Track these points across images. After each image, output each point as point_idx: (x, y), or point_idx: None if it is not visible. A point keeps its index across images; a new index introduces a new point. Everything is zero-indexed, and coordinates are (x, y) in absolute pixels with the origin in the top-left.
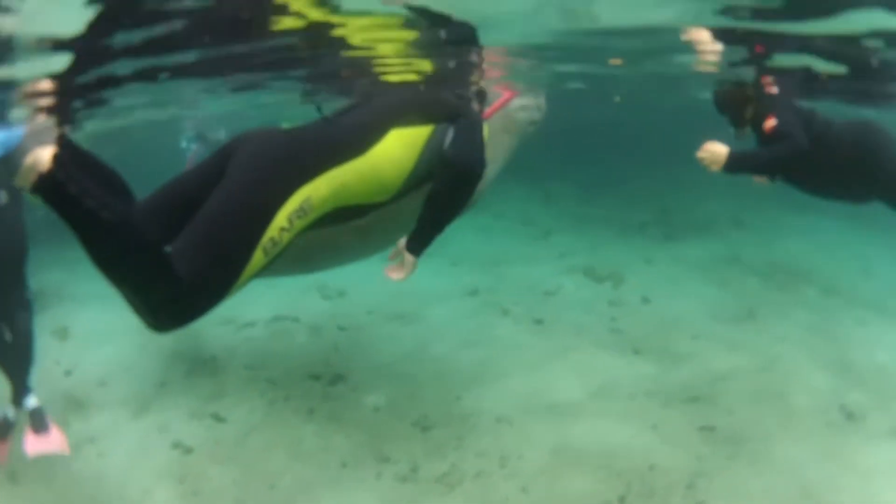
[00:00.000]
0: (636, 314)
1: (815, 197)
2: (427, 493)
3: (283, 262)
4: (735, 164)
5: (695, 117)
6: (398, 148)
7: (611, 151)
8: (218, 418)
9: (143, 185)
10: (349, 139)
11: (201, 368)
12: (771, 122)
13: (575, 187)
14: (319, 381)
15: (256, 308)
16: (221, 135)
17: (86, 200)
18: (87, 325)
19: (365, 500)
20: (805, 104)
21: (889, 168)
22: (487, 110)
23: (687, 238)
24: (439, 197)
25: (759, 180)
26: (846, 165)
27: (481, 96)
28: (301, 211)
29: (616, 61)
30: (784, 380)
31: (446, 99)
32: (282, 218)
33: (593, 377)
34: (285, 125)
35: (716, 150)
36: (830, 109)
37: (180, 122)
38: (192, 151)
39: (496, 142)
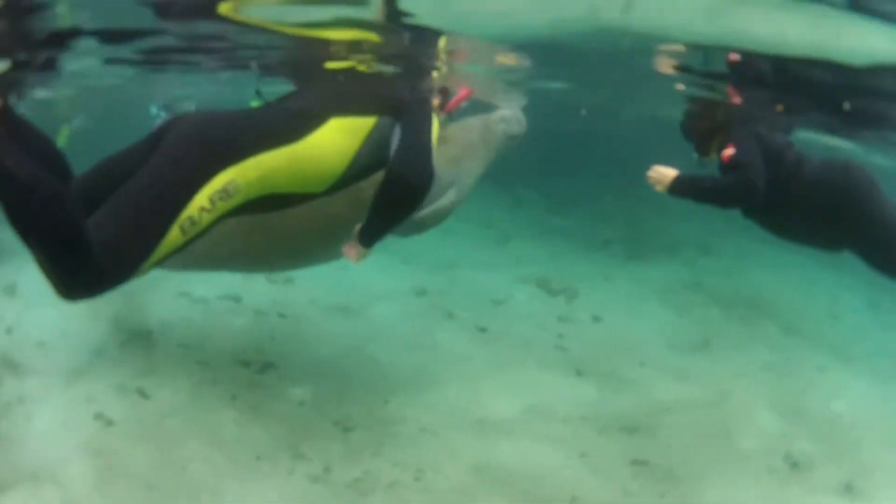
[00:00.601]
0: (585, 333)
1: (780, 239)
2: (336, 497)
3: (240, 259)
4: (679, 187)
5: (673, 136)
6: (337, 137)
7: (586, 164)
8: (143, 394)
9: (111, 148)
10: (285, 124)
11: (137, 341)
12: (729, 151)
13: (544, 196)
14: (249, 368)
15: (206, 286)
16: (191, 107)
17: (19, 175)
18: (34, 284)
19: (272, 497)
20: (783, 136)
21: (868, 217)
22: (449, 103)
23: (650, 259)
24: (383, 205)
25: None
26: (817, 209)
27: (444, 93)
28: (224, 192)
29: None
30: (731, 418)
31: (395, 90)
32: (203, 197)
33: (530, 395)
34: (254, 104)
35: (664, 171)
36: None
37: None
38: (159, 119)
39: (474, 153)
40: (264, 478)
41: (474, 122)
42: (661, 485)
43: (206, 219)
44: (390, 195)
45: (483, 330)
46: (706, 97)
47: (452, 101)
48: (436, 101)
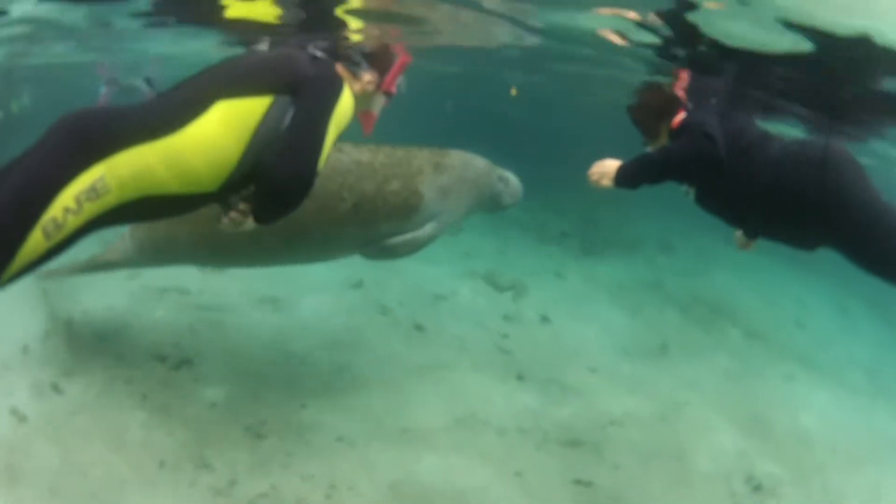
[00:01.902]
0: (531, 334)
1: (743, 231)
2: None
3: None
4: (625, 175)
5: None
6: (222, 125)
7: (543, 155)
8: (57, 389)
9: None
10: (162, 114)
11: (60, 332)
12: (679, 117)
13: None
14: (164, 364)
15: (134, 272)
16: (139, 81)
17: None
18: None
19: None
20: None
21: (853, 208)
22: (387, 78)
23: (607, 256)
24: (257, 207)
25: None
26: (788, 195)
27: (376, 59)
28: (92, 191)
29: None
30: (686, 434)
31: (293, 59)
32: (67, 197)
33: (463, 402)
34: None
35: (605, 164)
36: None
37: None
38: (101, 94)
39: (464, 192)
40: (165, 488)
41: (479, 163)
42: None
43: (72, 222)
44: (261, 199)
45: (419, 328)
46: (657, 81)
47: (390, 75)
48: (368, 77)
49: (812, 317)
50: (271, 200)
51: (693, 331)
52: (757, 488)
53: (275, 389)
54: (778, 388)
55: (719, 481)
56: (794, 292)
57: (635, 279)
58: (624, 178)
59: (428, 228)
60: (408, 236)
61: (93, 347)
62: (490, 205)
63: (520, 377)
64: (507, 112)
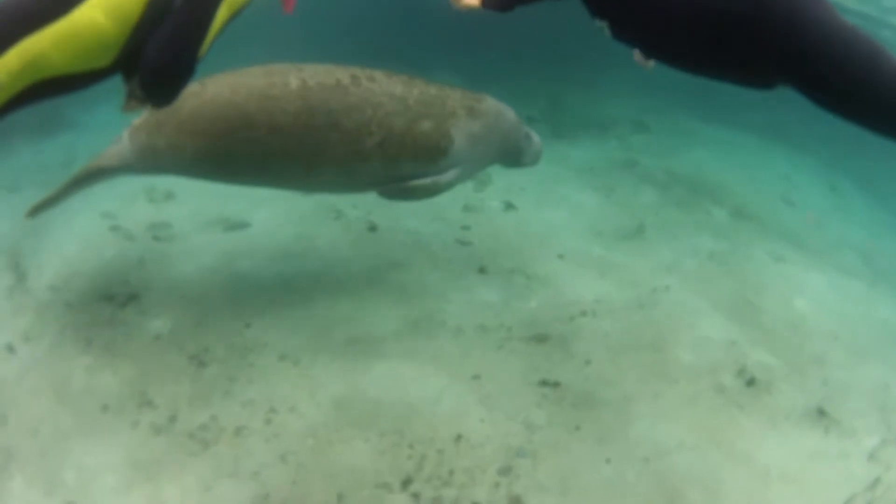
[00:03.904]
0: (494, 223)
1: (673, 65)
2: (176, 450)
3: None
4: None
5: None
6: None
7: (503, 43)
8: (10, 349)
9: None
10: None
11: (17, 287)
12: None
13: (458, 77)
14: (112, 303)
15: (85, 215)
16: None
17: None
18: None
19: (112, 455)
20: None
21: (805, 26)
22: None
23: (578, 138)
24: (139, 78)
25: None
26: (715, 17)
27: None
28: None
29: None
30: (666, 323)
31: None
32: None
33: (417, 303)
34: None
35: None
36: None
37: None
38: None
39: (490, 143)
40: (107, 433)
41: (510, 116)
42: (575, 413)
43: None
44: (140, 79)
45: (372, 229)
46: None
47: None
48: None
49: (801, 195)
50: (146, 81)
51: (672, 210)
52: (750, 383)
53: (221, 312)
54: (768, 269)
55: (705, 374)
56: (781, 170)
57: (608, 160)
58: None
59: (450, 174)
60: (428, 180)
61: (45, 299)
62: (509, 160)
63: (481, 270)
64: None
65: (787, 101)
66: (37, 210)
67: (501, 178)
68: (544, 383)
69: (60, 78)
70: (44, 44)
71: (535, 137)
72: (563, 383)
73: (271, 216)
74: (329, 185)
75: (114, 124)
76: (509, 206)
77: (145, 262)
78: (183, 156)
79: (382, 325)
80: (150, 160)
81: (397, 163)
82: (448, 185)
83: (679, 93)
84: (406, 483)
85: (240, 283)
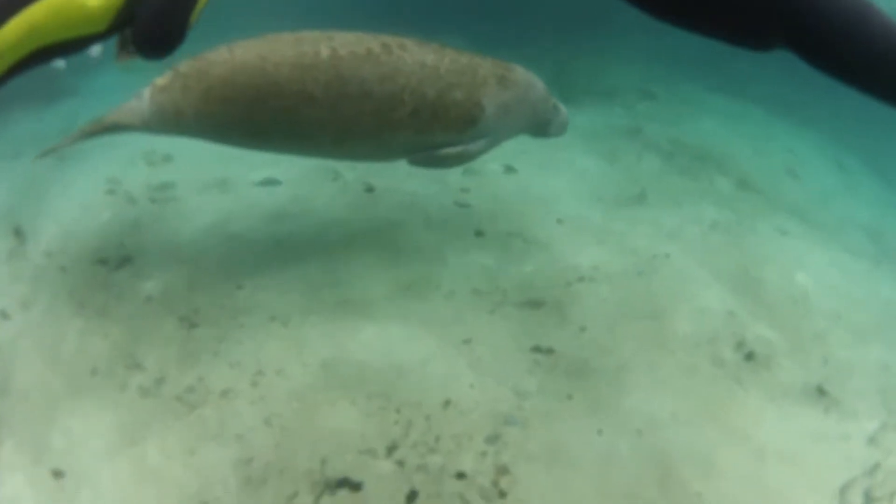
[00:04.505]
0: (494, 186)
1: (674, 24)
2: (162, 413)
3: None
4: None
5: None
6: None
7: (510, 8)
8: (5, 315)
9: None
10: None
11: (15, 251)
12: None
13: (466, 41)
14: (106, 266)
15: (85, 178)
16: None
17: None
18: None
19: (100, 419)
20: None
21: None
22: None
23: (583, 104)
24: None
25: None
26: None
27: None
28: None
29: None
30: (664, 291)
31: None
32: None
33: (411, 265)
34: None
35: None
36: None
37: None
38: None
39: (521, 113)
40: (96, 396)
41: (539, 86)
42: (568, 382)
43: None
44: (135, 46)
45: (370, 190)
46: None
47: None
48: None
49: (807, 170)
50: (139, 46)
51: (676, 179)
52: (749, 356)
53: (212, 273)
54: (771, 242)
55: (703, 346)
56: (788, 144)
57: (612, 127)
58: None
59: (481, 143)
60: (459, 149)
61: (40, 264)
62: (536, 130)
63: (478, 233)
64: None
65: (797, 75)
66: (45, 154)
67: (505, 143)
68: (537, 349)
69: (57, 44)
70: (40, 14)
71: (563, 109)
72: (557, 350)
73: (269, 178)
74: (359, 154)
75: (115, 90)
76: (510, 170)
77: (140, 225)
78: (210, 122)
79: (374, 287)
80: (171, 123)
81: (429, 132)
82: (477, 154)
83: (687, 62)
84: (391, 449)
85: (234, 245)
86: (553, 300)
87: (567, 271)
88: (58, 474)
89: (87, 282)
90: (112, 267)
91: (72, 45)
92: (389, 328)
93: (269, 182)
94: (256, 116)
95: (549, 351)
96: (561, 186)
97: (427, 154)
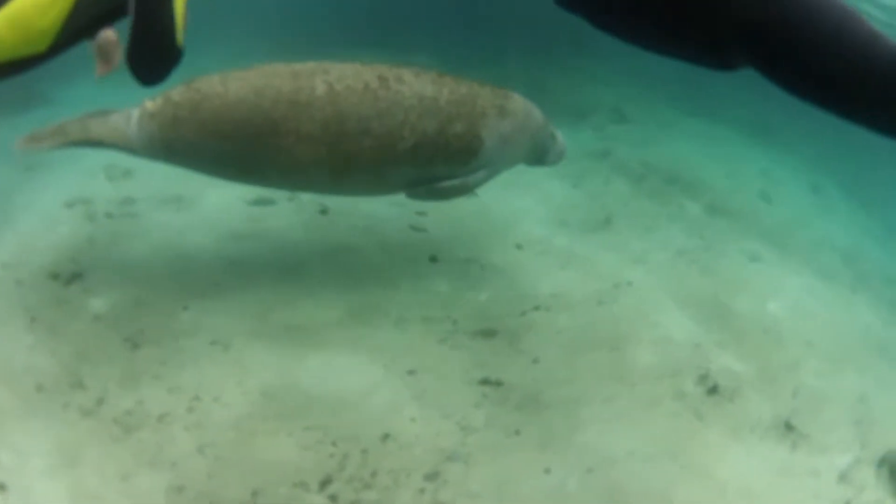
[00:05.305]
0: (453, 208)
1: (634, 43)
2: (99, 435)
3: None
4: None
5: None
6: None
7: (483, 26)
8: None
9: None
10: None
11: None
12: None
13: (438, 60)
14: (57, 281)
15: (52, 191)
16: None
17: None
18: None
19: (43, 437)
20: None
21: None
22: None
23: (553, 124)
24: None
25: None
26: None
27: None
28: None
29: None
30: (626, 321)
31: None
32: None
33: (361, 291)
34: None
35: None
36: None
37: None
38: None
39: (520, 144)
40: (39, 415)
41: (537, 115)
42: (518, 415)
43: None
44: (135, 77)
45: (325, 211)
46: None
47: None
48: None
49: (781, 194)
50: (139, 78)
51: (644, 203)
52: (712, 390)
53: (161, 292)
54: (741, 269)
55: (664, 379)
56: (762, 167)
57: (581, 148)
58: None
59: (480, 175)
60: (458, 181)
61: None
62: (534, 159)
63: (433, 258)
64: None
65: (773, 98)
66: (28, 142)
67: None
68: (486, 382)
69: (9, 64)
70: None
71: (560, 137)
72: (507, 382)
73: (225, 197)
74: (358, 190)
75: (90, 100)
76: (471, 192)
77: (95, 241)
78: (202, 156)
79: (323, 313)
80: (159, 152)
81: (429, 166)
82: (477, 185)
83: (662, 85)
84: (325, 483)
85: (185, 264)
86: (507, 330)
87: (524, 299)
88: (1, 487)
89: (41, 297)
90: (63, 282)
91: (10, 69)
92: (335, 356)
93: (194, 205)
94: (252, 153)
95: (499, 383)
96: (524, 209)
97: (426, 187)
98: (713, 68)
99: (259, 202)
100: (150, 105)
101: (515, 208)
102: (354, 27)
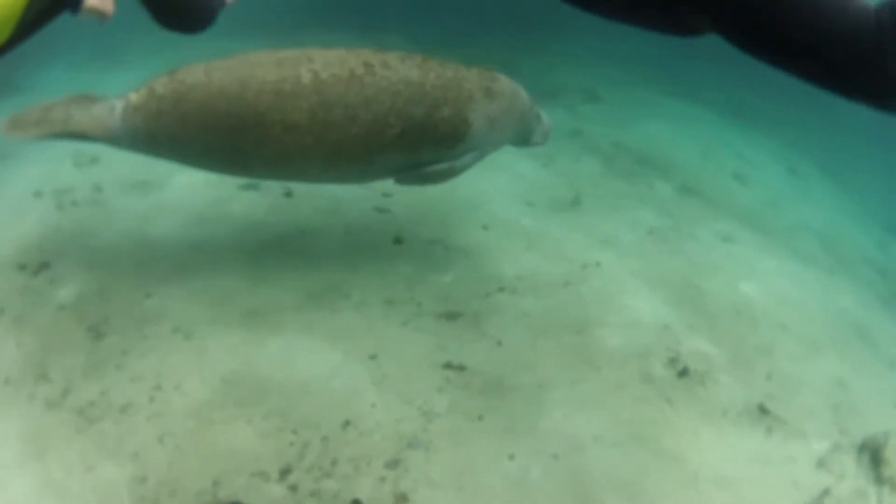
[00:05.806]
0: (418, 191)
1: (592, 11)
2: (63, 426)
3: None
4: None
5: None
6: None
7: (455, 7)
8: None
9: None
10: None
11: None
12: None
13: (411, 43)
14: (24, 272)
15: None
16: None
17: None
18: None
19: (9, 429)
20: None
21: None
22: None
23: None
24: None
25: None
26: None
27: None
28: None
29: None
30: (593, 302)
31: None
32: None
33: (323, 274)
34: None
35: None
36: None
37: None
38: None
39: (507, 125)
40: (7, 406)
41: (524, 95)
42: (482, 400)
43: None
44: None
45: (289, 194)
46: None
47: None
48: None
49: (757, 175)
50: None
51: (615, 183)
52: (682, 373)
53: (124, 280)
54: (713, 250)
55: (632, 361)
56: (738, 148)
57: (553, 128)
58: None
59: (467, 158)
60: (446, 165)
61: None
62: (519, 140)
63: (398, 240)
64: None
65: (750, 78)
66: (10, 125)
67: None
68: (449, 366)
69: None
70: None
71: (545, 117)
72: (471, 366)
73: (189, 182)
74: (346, 177)
75: (62, 86)
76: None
77: (61, 229)
78: (186, 148)
79: (285, 297)
80: (143, 145)
81: (417, 151)
82: (465, 168)
83: (637, 64)
84: (285, 472)
85: (149, 250)
86: (471, 312)
87: (489, 281)
88: None
89: (8, 288)
90: (30, 272)
91: None
92: (295, 341)
93: (159, 189)
94: (237, 145)
95: (462, 367)
96: (491, 189)
97: (415, 172)
98: (678, 35)
99: (223, 185)
100: (133, 97)
101: (483, 189)
102: (325, 8)
